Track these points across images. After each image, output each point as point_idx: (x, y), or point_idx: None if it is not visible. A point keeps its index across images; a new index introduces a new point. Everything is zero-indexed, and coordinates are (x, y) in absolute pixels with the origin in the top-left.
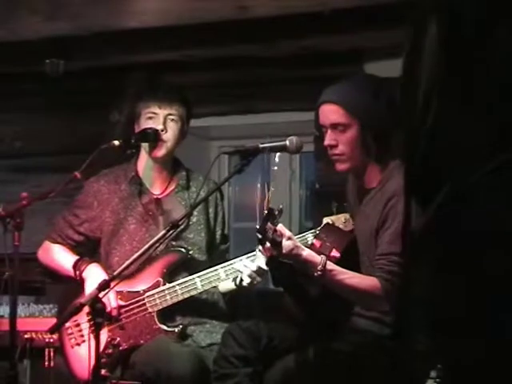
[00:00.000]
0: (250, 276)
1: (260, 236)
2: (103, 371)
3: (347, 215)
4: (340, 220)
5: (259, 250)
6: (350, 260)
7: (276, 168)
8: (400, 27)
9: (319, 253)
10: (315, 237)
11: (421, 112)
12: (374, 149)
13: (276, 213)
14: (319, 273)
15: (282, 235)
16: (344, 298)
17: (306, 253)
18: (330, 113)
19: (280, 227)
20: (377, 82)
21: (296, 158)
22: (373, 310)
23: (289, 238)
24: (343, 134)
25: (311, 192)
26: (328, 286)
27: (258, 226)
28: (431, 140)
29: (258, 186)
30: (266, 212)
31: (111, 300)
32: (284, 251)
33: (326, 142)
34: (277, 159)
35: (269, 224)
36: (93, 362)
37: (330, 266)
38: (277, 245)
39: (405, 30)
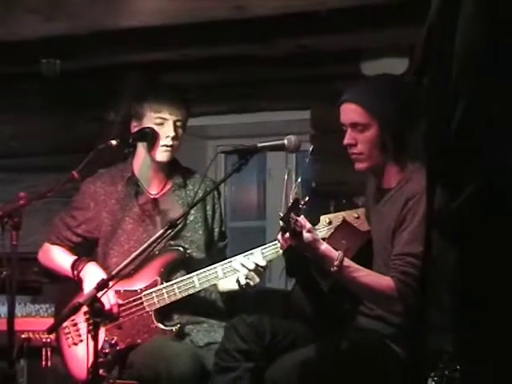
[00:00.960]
0: (247, 276)
1: (283, 224)
2: (100, 371)
3: (344, 213)
4: (338, 218)
5: (277, 239)
6: (362, 259)
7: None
8: (397, 26)
9: (334, 248)
10: (331, 234)
11: (455, 84)
12: (391, 149)
13: (301, 203)
14: (335, 268)
15: (302, 226)
16: (357, 295)
17: (324, 247)
18: (351, 112)
19: (301, 218)
20: (396, 83)
21: (292, 157)
22: (385, 309)
23: (309, 231)
24: (362, 133)
25: (307, 190)
26: (343, 282)
27: (281, 214)
28: (466, 115)
29: (286, 180)
30: (291, 201)
31: (110, 298)
32: (303, 242)
33: (346, 140)
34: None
35: (292, 214)
36: (91, 361)
37: (347, 262)
38: (296, 235)
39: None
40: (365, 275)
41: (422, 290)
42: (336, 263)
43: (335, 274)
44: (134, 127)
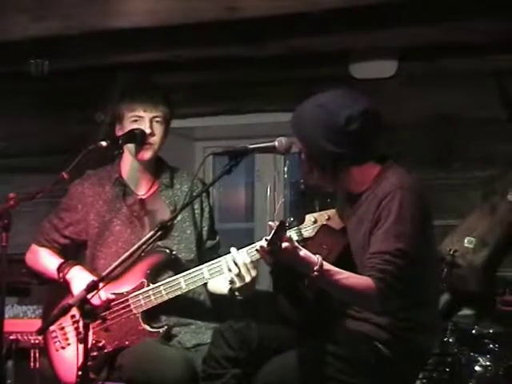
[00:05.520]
0: (231, 281)
1: (270, 248)
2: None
3: (330, 212)
4: (323, 217)
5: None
6: (345, 261)
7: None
8: (386, 28)
9: (315, 254)
10: (310, 238)
11: None
12: (331, 170)
13: (286, 225)
14: (316, 273)
15: (281, 240)
16: (339, 298)
17: (303, 253)
18: None
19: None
20: (330, 103)
21: (281, 159)
22: (367, 310)
23: (287, 240)
24: (303, 154)
25: (296, 192)
26: (324, 287)
27: (268, 238)
28: None
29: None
30: (276, 225)
31: (101, 295)
32: (282, 252)
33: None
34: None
35: (278, 236)
36: (79, 363)
37: (327, 266)
38: (278, 251)
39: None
40: (345, 277)
41: None
42: (316, 268)
43: (316, 278)
44: (118, 130)
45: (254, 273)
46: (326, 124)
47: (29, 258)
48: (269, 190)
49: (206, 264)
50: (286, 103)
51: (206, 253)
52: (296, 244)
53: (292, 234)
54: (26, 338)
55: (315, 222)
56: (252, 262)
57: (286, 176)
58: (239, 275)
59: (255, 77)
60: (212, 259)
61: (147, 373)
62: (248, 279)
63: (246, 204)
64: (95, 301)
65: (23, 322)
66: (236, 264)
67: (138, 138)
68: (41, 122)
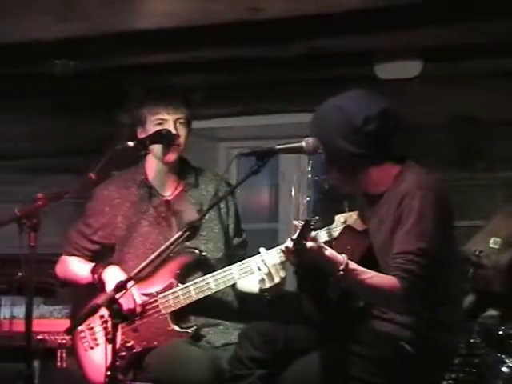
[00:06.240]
0: (261, 281)
1: (295, 248)
2: None
3: (357, 212)
4: (352, 217)
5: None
6: (368, 261)
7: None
8: (409, 29)
9: (340, 254)
10: (335, 239)
11: None
12: (348, 170)
13: (312, 224)
14: (341, 272)
15: (306, 239)
16: (364, 298)
17: (329, 252)
18: None
19: (309, 237)
20: (356, 109)
21: (305, 159)
22: (391, 309)
23: (312, 240)
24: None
25: (320, 191)
26: (349, 286)
27: (293, 237)
28: None
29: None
30: (302, 224)
31: (136, 297)
32: (308, 251)
33: None
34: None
35: (303, 235)
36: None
37: (352, 265)
38: (303, 250)
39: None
40: (370, 277)
41: None
42: (342, 267)
43: (342, 278)
44: (140, 133)
45: (282, 273)
46: (344, 124)
47: (59, 269)
48: (293, 190)
49: (235, 264)
50: (309, 104)
51: (233, 250)
52: (321, 244)
53: (322, 234)
54: (52, 337)
55: (344, 222)
56: (281, 262)
57: (309, 176)
58: (269, 275)
59: (278, 77)
60: (238, 256)
61: (172, 373)
62: (277, 280)
63: (269, 204)
64: (130, 304)
65: (50, 321)
66: (265, 264)
67: (165, 139)
68: (64, 122)
